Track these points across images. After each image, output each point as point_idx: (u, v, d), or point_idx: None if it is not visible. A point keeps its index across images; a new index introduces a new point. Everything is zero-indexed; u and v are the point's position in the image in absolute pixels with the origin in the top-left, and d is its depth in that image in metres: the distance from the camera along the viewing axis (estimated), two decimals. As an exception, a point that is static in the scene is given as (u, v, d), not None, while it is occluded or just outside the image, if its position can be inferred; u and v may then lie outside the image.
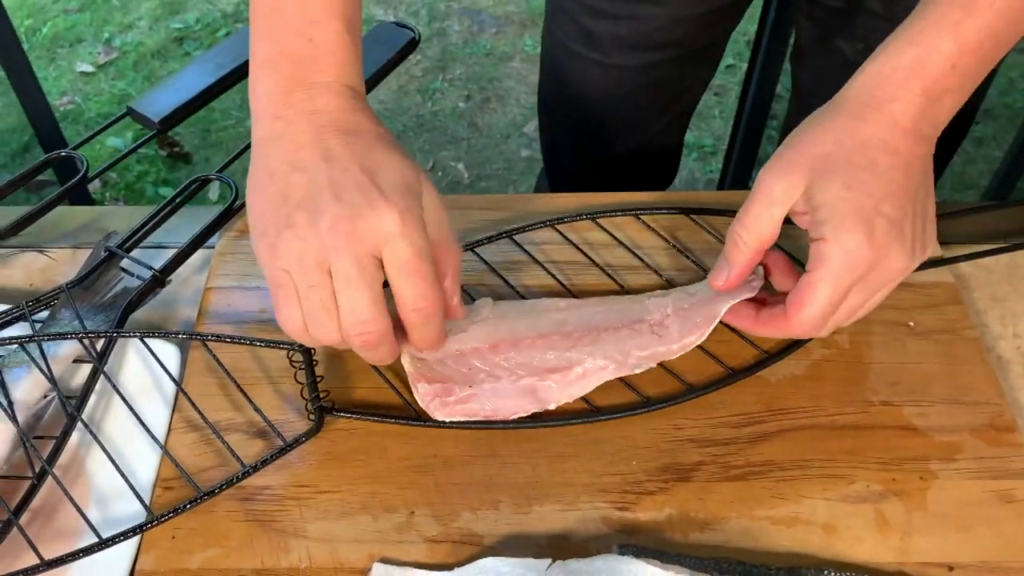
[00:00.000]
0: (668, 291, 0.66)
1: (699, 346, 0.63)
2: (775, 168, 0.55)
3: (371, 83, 0.81)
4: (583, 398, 0.61)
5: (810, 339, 0.64)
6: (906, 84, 0.52)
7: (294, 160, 0.52)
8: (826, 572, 0.52)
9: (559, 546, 0.55)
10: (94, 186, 1.96)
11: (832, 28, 0.84)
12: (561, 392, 0.60)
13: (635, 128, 0.98)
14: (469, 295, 0.67)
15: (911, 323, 0.66)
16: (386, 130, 0.55)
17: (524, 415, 0.59)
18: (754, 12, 1.61)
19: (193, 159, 2.02)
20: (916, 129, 0.53)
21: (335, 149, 0.51)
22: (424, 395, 0.59)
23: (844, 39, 0.84)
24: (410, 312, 0.52)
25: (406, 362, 0.60)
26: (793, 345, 0.64)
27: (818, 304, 0.54)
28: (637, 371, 0.61)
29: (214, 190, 1.67)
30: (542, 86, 1.02)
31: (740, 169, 1.60)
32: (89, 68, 2.25)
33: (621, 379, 0.61)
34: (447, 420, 0.59)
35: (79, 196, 1.48)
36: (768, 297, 0.61)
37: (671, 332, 0.62)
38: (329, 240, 0.49)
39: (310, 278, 0.50)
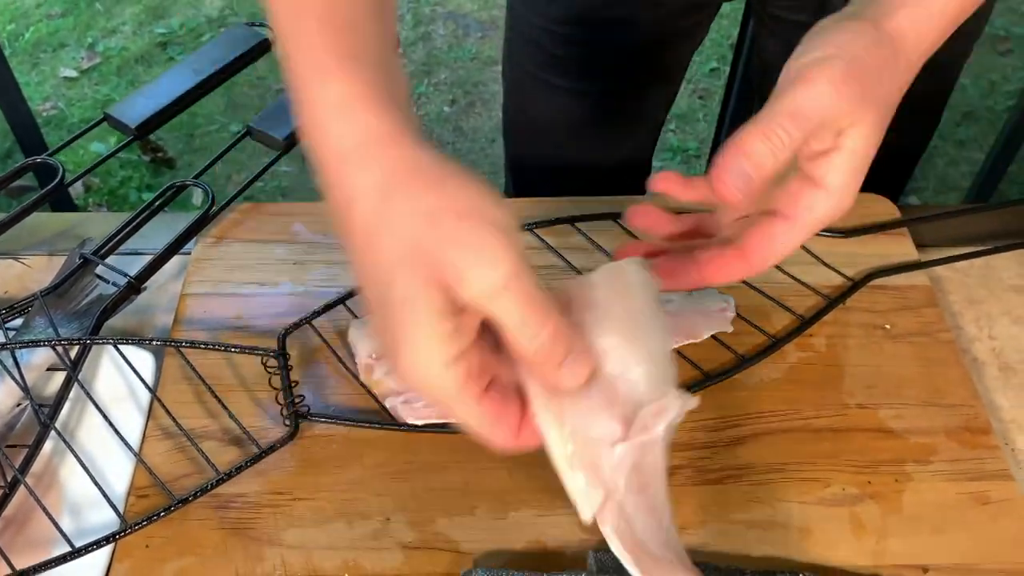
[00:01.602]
0: None
1: (674, 350, 0.63)
2: (850, 94, 0.46)
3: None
4: (559, 403, 0.61)
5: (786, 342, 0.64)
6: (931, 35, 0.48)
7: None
8: (801, 575, 0.53)
9: (535, 551, 0.55)
10: (77, 192, 1.95)
11: (797, 43, 0.84)
12: None
13: (606, 150, 0.97)
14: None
15: (887, 325, 0.66)
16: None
17: None
18: (736, 16, 1.62)
19: (177, 164, 2.01)
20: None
21: None
22: (393, 406, 0.59)
23: None
24: None
25: (376, 379, 0.61)
26: (769, 348, 0.64)
27: None
28: None
29: (198, 196, 1.66)
30: (507, 112, 1.02)
31: (723, 172, 1.60)
32: (72, 73, 2.24)
33: (597, 384, 0.61)
34: (419, 423, 0.59)
35: (62, 202, 1.47)
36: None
37: None
38: None
39: None
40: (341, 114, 0.43)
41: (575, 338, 0.42)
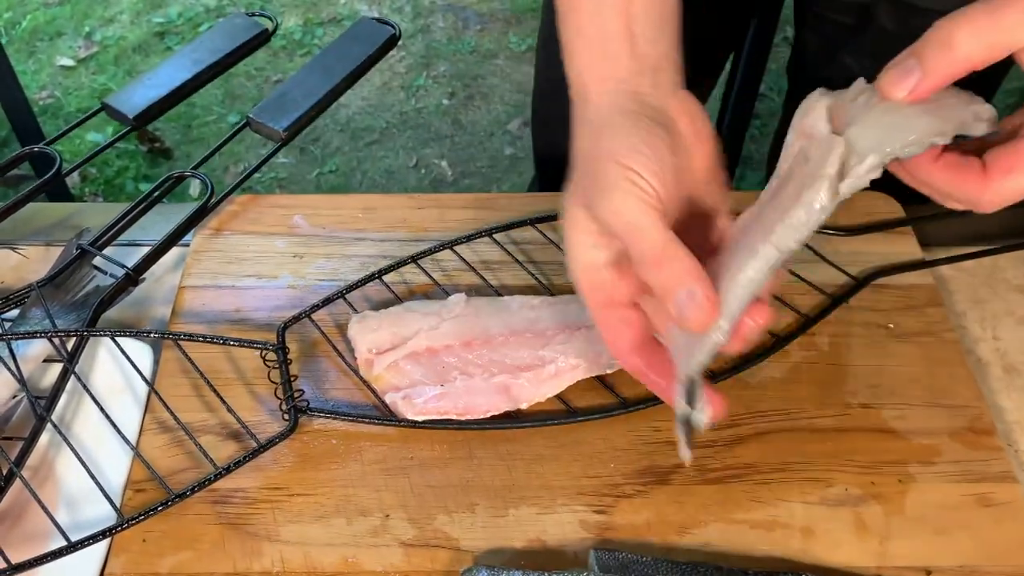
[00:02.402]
0: None
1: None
2: None
3: (351, 79, 0.80)
4: (560, 399, 0.60)
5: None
6: None
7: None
8: (804, 576, 0.52)
9: (536, 550, 0.54)
10: (73, 181, 1.94)
11: (839, 43, 0.84)
12: (534, 390, 0.59)
13: None
14: (444, 291, 0.66)
15: (891, 325, 0.66)
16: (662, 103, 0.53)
17: (497, 413, 0.59)
18: (738, 11, 1.60)
19: (174, 155, 2.00)
20: None
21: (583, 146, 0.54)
22: (393, 402, 0.59)
23: (851, 54, 0.83)
24: None
25: (376, 374, 0.60)
26: (772, 347, 0.63)
27: None
28: (609, 370, 0.61)
29: (195, 187, 1.65)
30: (538, 102, 1.01)
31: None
32: (69, 62, 2.23)
33: (599, 380, 0.61)
34: (419, 419, 0.58)
35: (58, 192, 1.46)
36: None
37: None
38: None
39: None
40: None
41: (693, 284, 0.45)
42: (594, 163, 0.50)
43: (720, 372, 0.62)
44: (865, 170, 0.43)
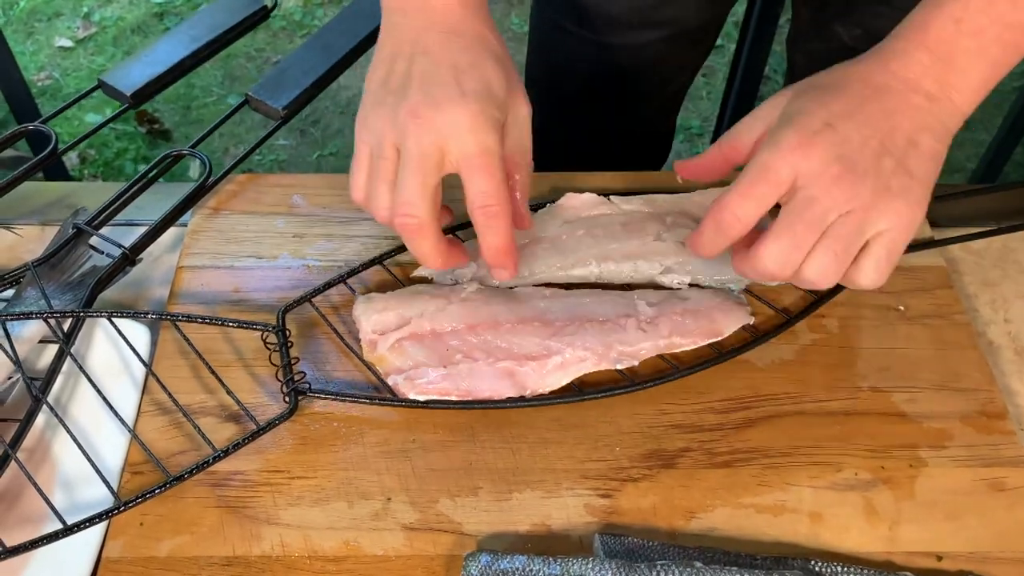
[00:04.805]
0: (660, 292, 0.64)
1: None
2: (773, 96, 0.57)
3: (352, 56, 0.79)
4: (567, 378, 0.59)
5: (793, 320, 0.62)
6: (909, 40, 0.53)
7: (398, 51, 0.57)
8: (812, 562, 0.51)
9: (540, 534, 0.53)
10: (72, 163, 1.93)
11: (830, 13, 0.83)
12: (538, 380, 0.58)
13: (626, 108, 0.96)
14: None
15: (901, 307, 0.65)
16: (494, 37, 0.58)
17: (500, 399, 0.57)
18: (743, -8, 1.59)
19: (173, 136, 1.99)
20: (915, 80, 0.52)
21: (433, 45, 0.56)
22: (395, 383, 0.58)
23: (842, 24, 0.82)
24: (476, 210, 0.54)
25: (379, 355, 0.59)
26: (783, 325, 0.62)
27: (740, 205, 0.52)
28: (619, 366, 0.59)
29: (195, 168, 1.64)
30: (530, 63, 1.00)
31: (727, 151, 1.59)
32: (68, 43, 2.21)
33: (605, 363, 0.60)
34: (421, 399, 0.57)
35: (56, 173, 1.45)
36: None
37: (660, 330, 0.60)
38: (405, 123, 0.53)
39: (382, 152, 0.55)
40: None
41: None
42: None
43: (729, 351, 0.61)
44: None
